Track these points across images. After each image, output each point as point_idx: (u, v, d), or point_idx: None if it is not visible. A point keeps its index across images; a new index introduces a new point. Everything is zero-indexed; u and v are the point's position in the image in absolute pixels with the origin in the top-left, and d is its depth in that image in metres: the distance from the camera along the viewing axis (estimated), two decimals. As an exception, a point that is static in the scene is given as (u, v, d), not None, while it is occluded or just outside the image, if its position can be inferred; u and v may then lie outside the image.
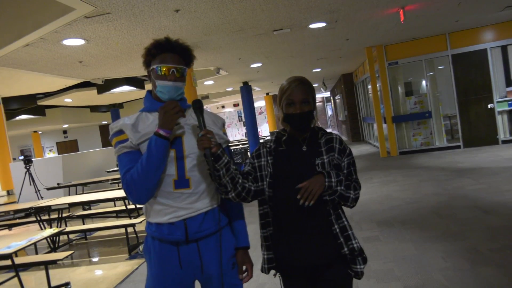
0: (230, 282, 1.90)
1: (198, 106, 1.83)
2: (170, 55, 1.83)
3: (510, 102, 10.37)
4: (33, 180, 9.45)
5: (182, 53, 1.87)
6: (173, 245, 1.84)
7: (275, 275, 2.00)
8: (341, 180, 1.83)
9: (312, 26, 7.43)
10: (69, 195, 9.62)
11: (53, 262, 4.53)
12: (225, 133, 2.03)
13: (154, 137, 1.75)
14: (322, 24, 7.44)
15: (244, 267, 1.99)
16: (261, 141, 13.35)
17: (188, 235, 1.83)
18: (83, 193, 9.55)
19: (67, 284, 4.39)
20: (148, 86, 12.87)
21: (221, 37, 7.23)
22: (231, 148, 13.16)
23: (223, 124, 2.04)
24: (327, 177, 1.79)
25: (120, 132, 1.83)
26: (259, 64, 11.11)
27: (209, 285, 1.92)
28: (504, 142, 10.42)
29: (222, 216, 1.94)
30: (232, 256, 1.95)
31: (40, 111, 16.50)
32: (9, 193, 11.72)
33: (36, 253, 6.24)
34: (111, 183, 10.98)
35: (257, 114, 19.77)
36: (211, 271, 1.87)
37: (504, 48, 10.51)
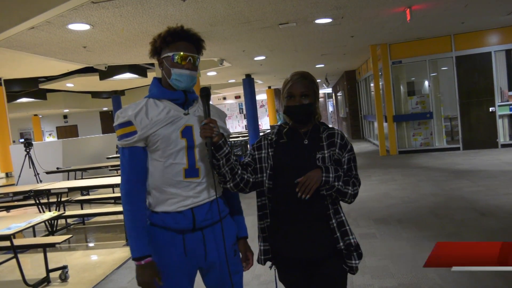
0: (231, 268, 1.93)
1: (205, 94, 1.84)
2: (185, 44, 1.83)
3: (511, 106, 10.38)
4: (33, 164, 9.46)
5: (196, 43, 1.88)
6: (178, 233, 1.84)
7: (270, 267, 2.02)
8: (339, 176, 1.84)
9: (317, 21, 7.42)
10: (68, 179, 9.64)
11: (52, 245, 4.56)
12: (226, 126, 2.06)
13: (134, 255, 1.77)
14: (328, 20, 7.43)
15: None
16: (261, 134, 13.30)
17: (196, 223, 1.85)
18: (82, 179, 9.57)
19: (65, 267, 4.42)
20: (151, 74, 12.85)
21: (226, 29, 7.22)
22: (231, 140, 13.21)
23: (226, 118, 2.08)
24: (324, 172, 1.81)
25: (128, 123, 1.79)
26: (262, 57, 11.09)
27: (210, 272, 1.94)
28: (504, 146, 10.44)
29: (224, 206, 1.97)
30: (234, 244, 1.98)
31: (41, 94, 16.48)
32: (8, 175, 11.75)
33: (34, 235, 6.27)
34: (110, 170, 10.99)
35: (258, 107, 19.74)
36: (214, 258, 1.90)
37: (508, 52, 10.50)
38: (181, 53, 1.81)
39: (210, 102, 1.91)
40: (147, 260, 1.76)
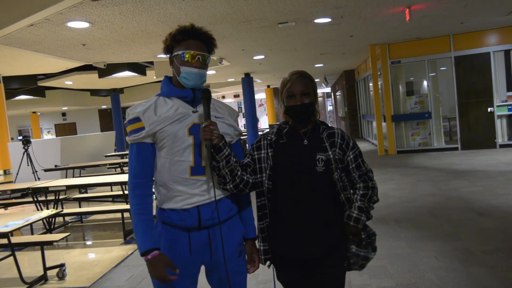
0: (236, 269, 1.93)
1: (205, 96, 1.84)
2: (195, 42, 1.85)
3: (510, 107, 10.40)
4: (31, 161, 9.44)
5: (206, 41, 1.89)
6: (184, 231, 1.85)
7: (269, 266, 2.02)
8: (367, 208, 1.92)
9: (317, 21, 7.41)
10: (66, 177, 9.63)
11: (50, 243, 4.56)
12: (238, 125, 2.06)
13: (141, 250, 1.77)
14: (327, 20, 7.42)
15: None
16: (260, 133, 13.21)
17: (201, 221, 1.84)
18: (80, 176, 9.56)
19: (62, 265, 4.42)
20: (150, 73, 12.84)
21: (226, 27, 7.21)
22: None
23: (237, 117, 2.07)
24: (360, 225, 1.90)
25: (137, 119, 1.82)
26: (262, 56, 11.08)
27: (214, 271, 1.94)
28: (502, 146, 10.46)
29: (232, 205, 1.96)
30: (240, 245, 1.97)
31: (40, 92, 16.43)
32: (5, 172, 11.72)
33: (32, 233, 6.26)
34: (108, 168, 10.99)
35: (257, 106, 19.73)
36: (219, 257, 1.89)
37: (507, 53, 10.52)
38: (191, 51, 1.82)
39: (223, 101, 1.90)
40: (153, 254, 1.75)
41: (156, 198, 1.97)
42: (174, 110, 1.84)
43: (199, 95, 1.89)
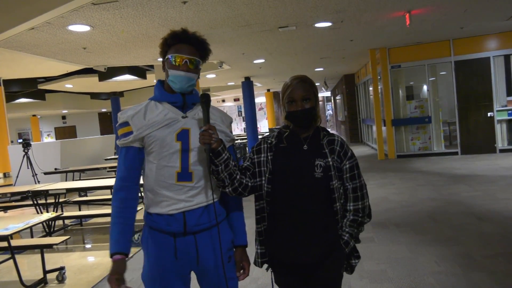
0: (226, 275, 1.91)
1: (205, 100, 1.84)
2: (185, 46, 1.84)
3: (510, 112, 10.41)
4: (31, 164, 9.44)
5: (197, 45, 1.88)
6: (170, 236, 1.85)
7: (267, 269, 2.02)
8: (355, 234, 1.96)
9: (317, 25, 7.44)
10: (66, 180, 9.62)
11: (49, 246, 4.55)
12: (231, 131, 2.04)
13: (109, 251, 1.79)
14: (328, 24, 7.45)
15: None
16: (260, 137, 13.21)
17: (187, 227, 1.84)
18: (80, 180, 9.55)
19: (62, 268, 4.41)
20: (150, 76, 12.87)
21: (226, 31, 7.23)
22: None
23: (231, 123, 2.06)
24: (347, 250, 1.93)
25: (125, 124, 1.84)
26: (262, 60, 11.11)
27: (204, 276, 1.93)
28: (502, 151, 10.46)
29: (221, 210, 1.95)
30: (229, 250, 1.96)
31: (40, 95, 16.44)
32: (5, 175, 11.71)
33: (32, 236, 6.25)
34: (108, 171, 10.98)
35: (257, 110, 19.76)
36: (207, 263, 1.89)
37: (507, 58, 10.55)
38: (178, 55, 1.82)
39: (216, 106, 1.90)
40: (114, 258, 1.77)
41: (143, 202, 1.97)
42: (164, 115, 1.84)
43: (189, 101, 1.89)
